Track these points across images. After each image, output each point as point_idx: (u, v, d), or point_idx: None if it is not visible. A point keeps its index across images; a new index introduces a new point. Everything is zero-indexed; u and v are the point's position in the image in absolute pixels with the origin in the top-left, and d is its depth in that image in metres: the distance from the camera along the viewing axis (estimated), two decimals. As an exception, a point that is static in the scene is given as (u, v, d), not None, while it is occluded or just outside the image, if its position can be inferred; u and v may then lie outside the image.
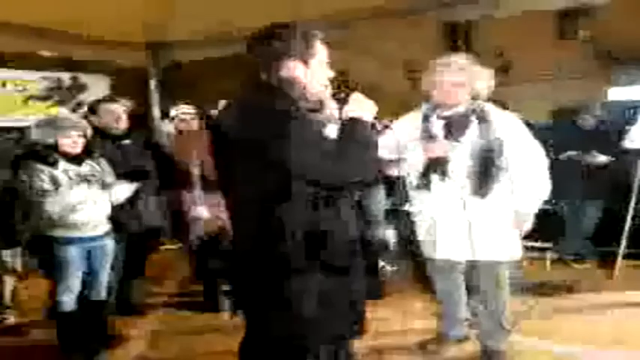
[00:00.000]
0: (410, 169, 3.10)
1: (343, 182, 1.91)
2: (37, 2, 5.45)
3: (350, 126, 1.90)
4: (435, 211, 3.05)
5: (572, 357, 3.27)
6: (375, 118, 1.99)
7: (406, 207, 3.27)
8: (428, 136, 3.02)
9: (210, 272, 4.47)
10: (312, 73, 1.95)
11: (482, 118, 2.95)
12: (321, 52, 1.98)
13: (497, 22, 7.78)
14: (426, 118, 3.08)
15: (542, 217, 3.17)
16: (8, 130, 6.67)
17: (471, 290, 3.51)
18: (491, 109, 3.01)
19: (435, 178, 2.99)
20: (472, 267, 3.15)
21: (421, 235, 3.21)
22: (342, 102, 2.00)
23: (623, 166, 4.88)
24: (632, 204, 4.67)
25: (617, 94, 9.58)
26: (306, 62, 1.93)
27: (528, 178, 2.94)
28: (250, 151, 1.79)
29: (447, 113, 3.02)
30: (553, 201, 4.18)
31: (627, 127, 4.65)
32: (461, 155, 2.94)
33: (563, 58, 9.90)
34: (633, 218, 4.71)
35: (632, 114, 5.16)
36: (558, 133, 5.26)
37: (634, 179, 4.65)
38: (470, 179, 2.93)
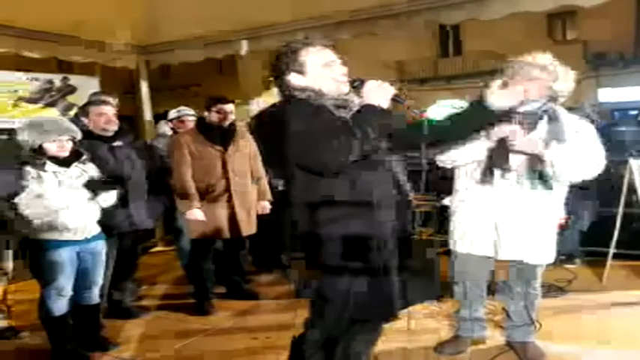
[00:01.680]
0: (468, 159, 3.08)
1: (325, 168, 2.00)
2: (27, 3, 5.42)
3: (359, 114, 2.01)
4: (486, 207, 3.05)
5: (562, 357, 3.28)
6: (397, 96, 2.07)
7: (445, 201, 3.24)
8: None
9: (203, 274, 4.46)
10: (315, 78, 2.12)
11: (553, 119, 2.96)
12: (322, 56, 2.15)
13: (486, 24, 7.80)
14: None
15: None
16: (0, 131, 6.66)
17: (495, 290, 3.59)
18: (563, 112, 3.02)
19: (497, 173, 2.99)
20: (511, 266, 3.19)
21: (459, 231, 3.20)
22: (358, 90, 2.10)
23: (615, 168, 4.90)
24: (622, 205, 4.70)
25: (607, 95, 9.63)
26: (300, 72, 2.14)
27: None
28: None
29: (519, 109, 2.96)
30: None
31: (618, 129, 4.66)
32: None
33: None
34: (624, 219, 4.74)
35: (621, 115, 5.18)
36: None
37: (624, 181, 4.68)
38: (523, 178, 2.96)
